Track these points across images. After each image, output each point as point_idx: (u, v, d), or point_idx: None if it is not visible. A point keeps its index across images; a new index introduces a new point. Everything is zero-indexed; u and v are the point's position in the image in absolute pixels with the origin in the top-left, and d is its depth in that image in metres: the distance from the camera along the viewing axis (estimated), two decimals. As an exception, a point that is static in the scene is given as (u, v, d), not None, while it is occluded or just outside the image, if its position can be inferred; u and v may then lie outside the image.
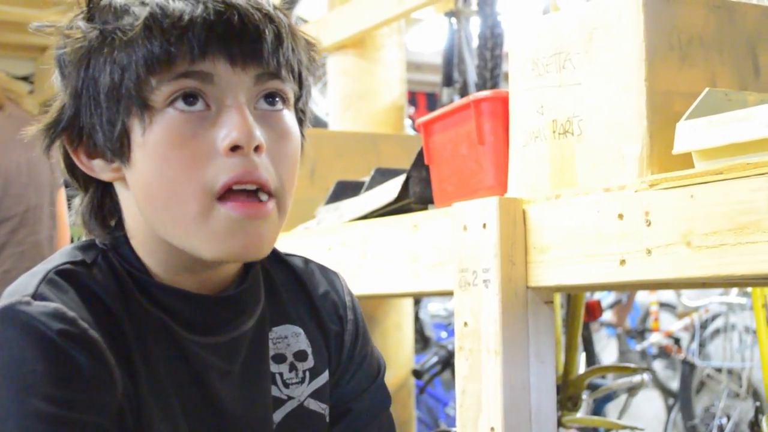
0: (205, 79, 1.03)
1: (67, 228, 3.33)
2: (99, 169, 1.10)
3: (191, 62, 1.02)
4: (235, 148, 1.03)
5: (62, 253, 1.11)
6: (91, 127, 1.07)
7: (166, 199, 1.04)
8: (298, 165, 1.11)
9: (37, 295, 1.01)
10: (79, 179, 1.14)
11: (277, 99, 1.08)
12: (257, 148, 1.04)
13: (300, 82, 1.12)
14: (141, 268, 1.11)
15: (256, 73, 1.05)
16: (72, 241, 3.68)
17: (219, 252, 1.05)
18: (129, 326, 1.06)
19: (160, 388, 1.07)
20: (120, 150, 1.06)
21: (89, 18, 1.07)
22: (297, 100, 1.13)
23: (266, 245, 1.07)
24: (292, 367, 1.21)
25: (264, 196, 1.05)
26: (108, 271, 1.09)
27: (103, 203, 1.13)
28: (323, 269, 1.31)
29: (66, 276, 1.05)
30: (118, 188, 1.12)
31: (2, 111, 3.12)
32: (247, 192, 1.04)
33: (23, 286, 1.03)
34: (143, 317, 1.08)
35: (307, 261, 1.30)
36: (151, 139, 1.03)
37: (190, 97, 1.03)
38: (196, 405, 1.10)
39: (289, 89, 1.09)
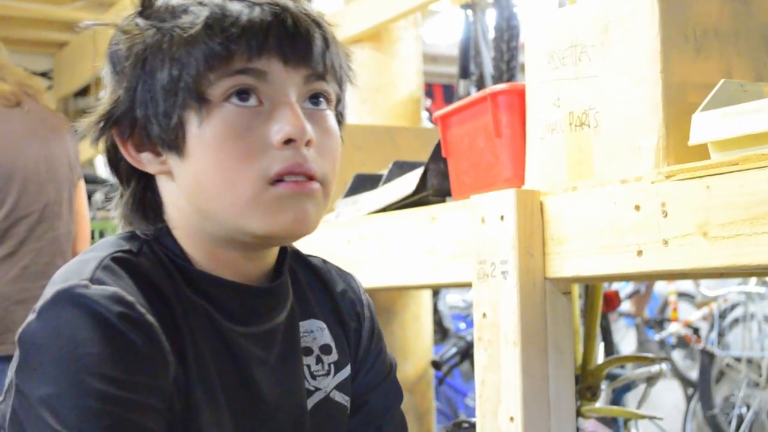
0: (260, 76, 1.09)
1: (88, 222, 3.36)
2: (146, 161, 1.14)
3: (248, 60, 1.08)
4: (288, 142, 1.08)
5: (106, 242, 1.14)
6: (145, 119, 1.11)
7: (219, 186, 1.09)
8: (338, 162, 1.17)
9: (94, 279, 1.03)
10: (122, 174, 1.18)
11: (321, 99, 1.14)
12: (308, 142, 1.10)
13: (340, 86, 1.18)
14: (183, 257, 1.14)
15: (306, 74, 1.12)
16: (92, 235, 3.71)
17: (269, 227, 1.10)
18: (180, 314, 1.10)
19: (207, 376, 1.11)
20: (174, 141, 1.10)
21: (145, 17, 1.13)
22: (337, 102, 1.19)
23: (312, 222, 1.12)
24: (318, 360, 1.25)
25: (315, 184, 1.11)
26: (154, 258, 1.13)
27: (145, 197, 1.17)
28: (339, 269, 1.36)
29: (120, 263, 1.08)
30: (162, 181, 1.16)
31: (20, 107, 3.14)
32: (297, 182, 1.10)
33: (76, 272, 1.05)
34: (189, 305, 1.12)
35: (325, 261, 1.35)
36: (208, 131, 1.08)
37: (243, 93, 1.09)
38: (237, 392, 1.14)
39: (332, 91, 1.16)
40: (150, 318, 1.04)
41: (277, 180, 1.09)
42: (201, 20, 1.08)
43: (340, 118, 1.20)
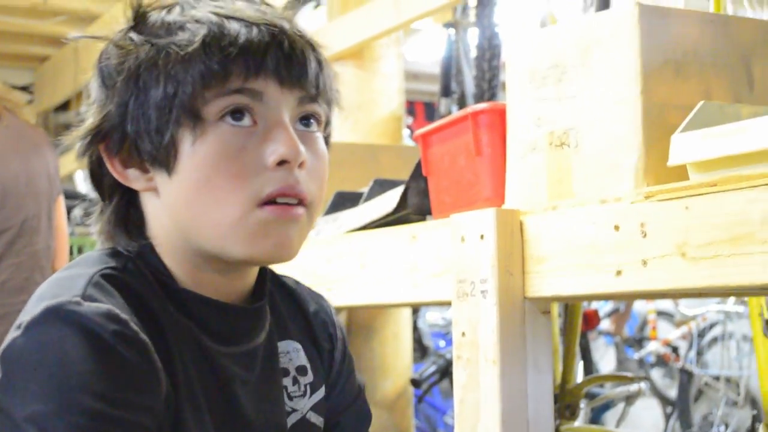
0: (255, 96, 1.09)
1: (66, 237, 3.34)
2: (133, 177, 1.13)
3: (245, 80, 1.08)
4: (281, 163, 1.08)
5: (90, 258, 1.13)
6: (137, 135, 1.10)
7: (208, 205, 1.08)
8: (326, 184, 1.17)
9: (86, 297, 1.02)
10: (105, 189, 1.17)
11: (312, 121, 1.14)
12: (301, 164, 1.10)
13: (330, 107, 1.19)
14: (168, 274, 1.13)
15: (300, 95, 1.12)
16: (71, 251, 3.69)
17: (251, 251, 1.09)
18: (169, 332, 1.09)
19: (193, 395, 1.10)
20: (165, 158, 1.09)
21: (139, 32, 1.12)
22: (326, 124, 1.19)
23: (295, 248, 1.12)
24: (295, 381, 1.25)
25: (300, 209, 1.10)
26: (140, 276, 1.12)
27: (127, 213, 1.16)
28: (310, 290, 1.37)
29: (110, 280, 1.07)
30: (146, 198, 1.15)
31: (0, 122, 3.13)
32: (287, 203, 1.10)
33: (67, 288, 1.03)
34: (175, 324, 1.11)
35: (297, 282, 1.36)
36: (202, 150, 1.08)
37: (238, 113, 1.09)
38: (222, 411, 1.13)
39: (323, 113, 1.16)
40: (143, 336, 1.03)
41: (267, 202, 1.08)
42: (199, 38, 1.07)
43: (327, 140, 1.20)
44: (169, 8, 1.13)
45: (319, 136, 1.16)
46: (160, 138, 1.09)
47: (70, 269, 1.10)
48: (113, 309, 1.02)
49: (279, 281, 1.31)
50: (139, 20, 1.12)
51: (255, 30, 1.08)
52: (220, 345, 1.14)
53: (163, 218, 1.13)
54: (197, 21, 1.09)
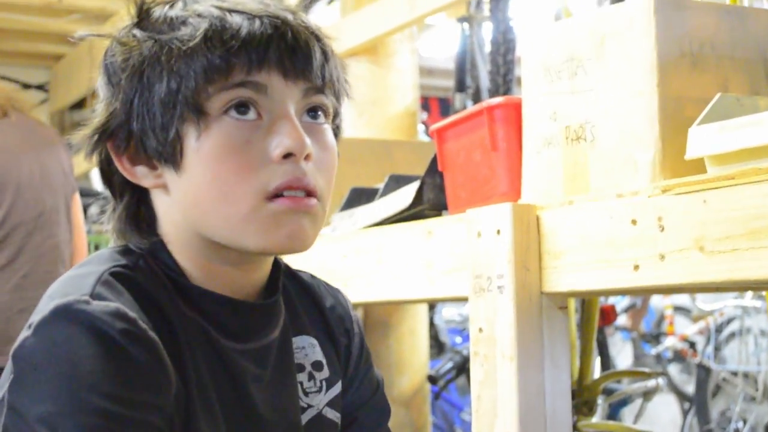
0: (259, 89, 1.08)
1: (84, 233, 3.34)
2: (141, 175, 1.12)
3: (248, 73, 1.07)
4: (287, 156, 1.07)
5: (101, 256, 1.13)
6: (142, 132, 1.10)
7: (216, 200, 1.08)
8: (335, 176, 1.16)
9: (95, 295, 1.02)
10: (115, 187, 1.17)
11: (319, 113, 1.13)
12: (307, 156, 1.09)
13: (338, 99, 1.17)
14: (179, 271, 1.13)
15: (305, 87, 1.11)
16: (88, 248, 3.70)
17: (265, 243, 1.09)
18: (180, 330, 1.09)
19: (205, 392, 1.10)
20: (172, 155, 1.09)
21: (142, 28, 1.11)
22: (335, 116, 1.18)
23: (309, 239, 1.11)
24: (311, 377, 1.24)
25: (312, 200, 1.10)
26: (150, 274, 1.11)
27: (138, 211, 1.16)
28: (327, 285, 1.36)
29: (120, 278, 1.07)
30: (156, 195, 1.14)
31: (8, 118, 3.14)
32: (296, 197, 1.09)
33: (76, 286, 1.03)
34: (186, 321, 1.11)
35: (313, 276, 1.35)
36: (207, 145, 1.07)
37: (242, 107, 1.08)
38: (234, 409, 1.13)
39: (330, 104, 1.15)
40: (152, 334, 1.03)
41: (276, 195, 1.07)
42: (200, 32, 1.07)
43: (336, 131, 1.19)
44: (172, 3, 1.12)
45: (327, 127, 1.15)
46: (165, 134, 1.08)
47: (82, 267, 1.10)
48: (121, 307, 1.01)
49: (294, 276, 1.31)
50: (143, 16, 1.12)
51: (257, 22, 1.08)
52: (233, 341, 1.13)
53: (173, 215, 1.13)
54: (199, 15, 1.09)
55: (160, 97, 1.08)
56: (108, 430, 0.96)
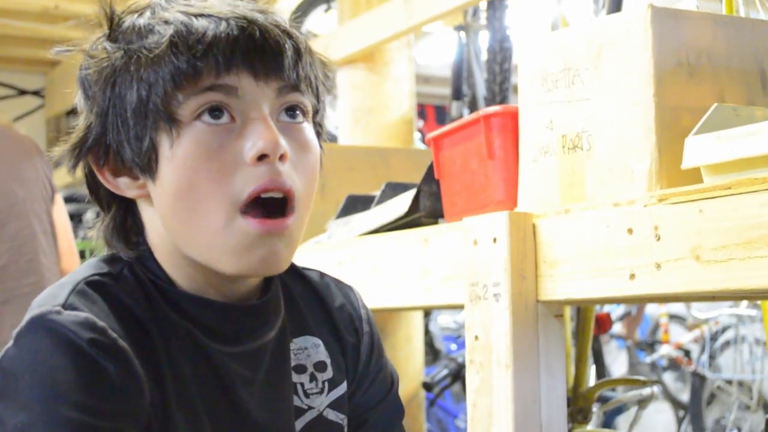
0: (230, 92, 1.07)
1: (71, 235, 3.29)
2: (124, 186, 1.12)
3: (216, 76, 1.06)
4: (261, 157, 1.06)
5: (88, 265, 1.13)
6: (118, 144, 1.10)
7: (191, 210, 1.07)
8: (317, 177, 1.15)
9: (67, 305, 1.03)
10: (102, 199, 1.17)
11: (297, 112, 1.12)
12: (282, 157, 1.07)
13: (317, 96, 1.16)
14: (166, 279, 1.13)
15: (278, 86, 1.09)
16: (83, 255, 3.68)
17: (238, 266, 1.08)
18: (157, 337, 1.09)
19: (188, 398, 1.09)
20: (148, 165, 1.08)
21: (113, 39, 1.11)
22: (315, 113, 1.16)
23: (283, 261, 1.10)
24: (312, 378, 1.24)
25: (287, 220, 1.08)
26: (134, 282, 1.12)
27: (125, 221, 1.16)
28: (338, 283, 1.34)
29: (95, 287, 1.07)
30: (142, 206, 1.14)
31: None
32: (274, 200, 1.07)
33: (52, 296, 1.05)
34: (170, 327, 1.11)
35: (322, 274, 1.33)
36: (180, 152, 1.07)
37: (215, 111, 1.07)
38: (223, 413, 1.12)
39: (308, 102, 1.13)
40: (122, 343, 1.03)
41: (250, 204, 1.06)
42: (166, 39, 1.06)
43: (319, 129, 1.18)
44: (141, 12, 1.12)
45: (306, 126, 1.13)
46: (140, 144, 1.08)
47: (67, 277, 1.11)
48: (90, 317, 1.02)
49: (301, 275, 1.30)
50: (114, 27, 1.12)
51: (223, 24, 1.06)
52: (222, 345, 1.13)
53: (158, 225, 1.13)
54: (165, 22, 1.08)
55: (131, 107, 1.07)
56: None
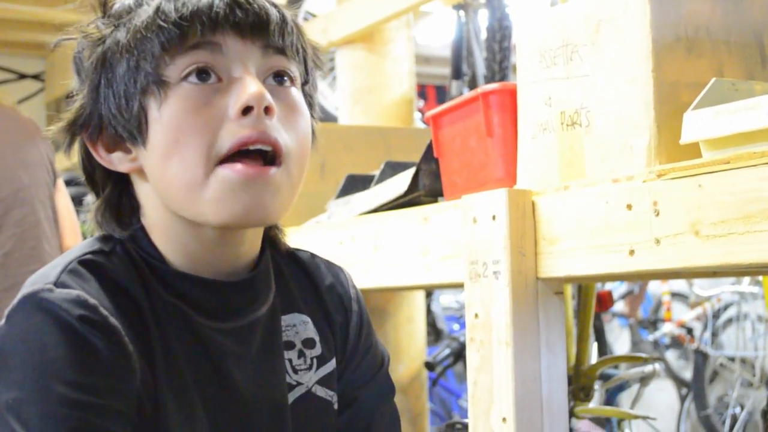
0: (215, 49, 1.09)
1: (74, 215, 3.29)
2: (117, 161, 1.14)
3: (202, 35, 1.08)
4: (246, 111, 1.07)
5: (83, 245, 1.15)
6: (109, 113, 1.11)
7: (176, 168, 1.08)
8: (309, 142, 1.16)
9: (59, 283, 1.04)
10: (97, 181, 1.19)
11: (285, 78, 1.13)
12: (267, 109, 1.08)
13: (305, 67, 1.17)
14: (158, 256, 1.14)
15: (263, 44, 1.11)
16: (84, 236, 3.68)
17: (222, 215, 1.08)
18: (149, 314, 1.10)
19: (178, 375, 1.11)
20: (138, 129, 1.10)
21: (105, 19, 1.14)
22: (304, 83, 1.18)
23: (269, 212, 1.10)
24: (301, 354, 1.25)
25: (272, 169, 1.08)
26: (127, 260, 1.13)
27: (119, 202, 1.18)
28: (328, 263, 1.35)
29: (87, 266, 1.09)
30: (137, 183, 1.16)
31: None
32: (263, 154, 1.08)
33: (45, 275, 1.06)
34: (161, 305, 1.12)
35: (313, 255, 1.35)
36: (167, 112, 1.08)
37: (203, 73, 1.09)
38: (214, 389, 1.14)
39: (295, 69, 1.15)
40: (113, 321, 1.04)
41: (236, 154, 1.07)
42: (153, 7, 1.09)
43: (309, 99, 1.19)
44: None
45: (295, 90, 1.15)
46: (129, 110, 1.10)
47: (61, 257, 1.12)
48: (82, 294, 1.03)
49: (293, 256, 1.31)
50: (105, 9, 1.15)
51: None
52: (212, 321, 1.14)
53: (153, 199, 1.14)
54: None
55: (121, 76, 1.10)
56: (71, 417, 0.98)
